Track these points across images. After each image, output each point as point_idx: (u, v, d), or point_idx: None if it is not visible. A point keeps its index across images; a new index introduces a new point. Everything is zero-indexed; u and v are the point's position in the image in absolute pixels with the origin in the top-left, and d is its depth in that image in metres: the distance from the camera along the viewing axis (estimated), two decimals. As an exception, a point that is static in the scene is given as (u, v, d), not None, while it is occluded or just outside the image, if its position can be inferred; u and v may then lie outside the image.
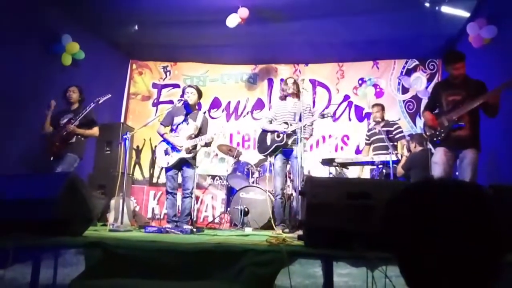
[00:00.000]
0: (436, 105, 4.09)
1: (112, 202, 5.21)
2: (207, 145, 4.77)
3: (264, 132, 4.92)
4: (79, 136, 4.86)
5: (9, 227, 2.28)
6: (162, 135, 4.72)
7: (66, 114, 4.93)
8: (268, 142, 4.80)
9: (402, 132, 5.58)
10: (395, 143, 5.41)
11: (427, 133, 4.04)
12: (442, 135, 3.85)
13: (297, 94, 4.87)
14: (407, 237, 1.12)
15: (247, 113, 7.45)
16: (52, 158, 4.75)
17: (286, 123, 4.71)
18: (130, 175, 6.75)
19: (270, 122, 4.93)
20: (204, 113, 5.02)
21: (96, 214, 4.80)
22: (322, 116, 4.72)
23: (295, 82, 4.90)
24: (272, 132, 4.80)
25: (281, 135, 4.67)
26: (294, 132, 4.59)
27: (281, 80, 5.22)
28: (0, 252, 2.32)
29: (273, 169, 4.83)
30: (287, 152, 4.71)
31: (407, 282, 1.16)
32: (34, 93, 5.20)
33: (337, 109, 5.54)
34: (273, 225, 4.66)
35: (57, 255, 2.49)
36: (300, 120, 4.57)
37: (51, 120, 4.92)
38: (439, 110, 4.03)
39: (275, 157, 4.76)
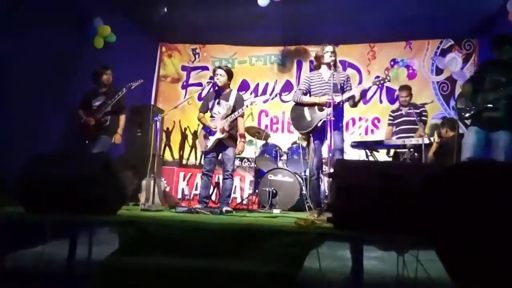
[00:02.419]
0: (479, 82, 3.96)
1: (144, 182, 5.32)
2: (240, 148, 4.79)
3: (299, 106, 4.43)
4: (113, 118, 4.96)
5: (47, 204, 2.37)
6: (200, 121, 4.81)
7: (98, 97, 5.02)
8: (308, 117, 4.29)
9: (426, 117, 5.43)
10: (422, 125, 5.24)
11: (458, 105, 3.95)
12: (472, 111, 3.77)
13: (334, 64, 4.31)
14: (447, 220, 1.10)
15: (276, 95, 7.40)
16: (87, 141, 4.87)
17: (327, 95, 4.17)
18: (161, 157, 6.87)
19: (305, 94, 4.40)
20: (238, 92, 5.03)
21: (128, 194, 4.94)
22: (377, 84, 4.29)
23: (334, 51, 4.39)
24: (311, 105, 4.28)
25: (324, 108, 4.13)
26: (339, 104, 4.15)
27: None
28: (38, 229, 2.43)
29: (310, 148, 4.44)
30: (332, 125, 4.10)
31: (446, 266, 1.14)
32: (68, 75, 5.31)
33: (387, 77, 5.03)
34: (310, 206, 4.35)
35: (92, 233, 2.57)
36: (341, 91, 4.19)
37: (83, 102, 5.02)
38: (478, 87, 3.93)
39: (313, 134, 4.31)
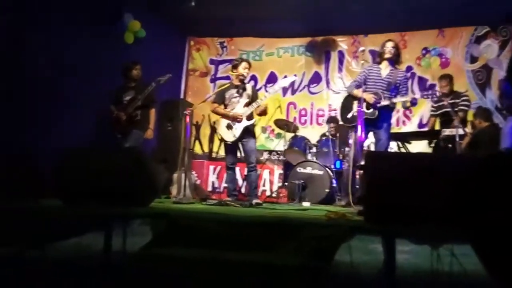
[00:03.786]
0: None
1: (175, 176, 5.41)
2: (263, 113, 4.66)
3: (350, 97, 4.40)
4: (144, 113, 5.04)
5: (83, 197, 2.46)
6: (217, 113, 4.76)
7: (128, 92, 5.09)
8: (354, 112, 4.24)
9: (467, 105, 5.21)
10: (461, 115, 5.06)
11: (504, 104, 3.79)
12: None
13: (395, 60, 4.29)
14: (486, 214, 1.06)
15: (304, 87, 7.34)
16: (119, 136, 4.98)
17: (377, 94, 4.13)
18: (191, 150, 6.96)
19: (359, 86, 4.31)
20: (259, 89, 5.01)
21: (160, 187, 5.03)
22: (425, 96, 4.36)
23: (395, 46, 4.33)
24: (359, 100, 4.17)
25: (371, 107, 4.09)
26: (386, 108, 4.14)
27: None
28: (76, 221, 2.51)
29: (352, 140, 4.44)
30: (374, 123, 4.18)
31: (483, 261, 1.11)
32: (100, 70, 5.43)
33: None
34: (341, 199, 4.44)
35: (126, 225, 2.64)
36: (394, 90, 4.15)
37: (114, 97, 5.12)
38: None
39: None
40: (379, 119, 4.13)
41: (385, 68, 4.31)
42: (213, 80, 7.76)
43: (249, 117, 4.54)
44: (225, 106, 4.70)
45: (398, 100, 4.17)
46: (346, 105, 4.44)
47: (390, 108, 4.26)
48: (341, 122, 4.82)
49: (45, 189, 2.89)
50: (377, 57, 4.41)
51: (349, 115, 4.33)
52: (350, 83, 4.62)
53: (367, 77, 4.31)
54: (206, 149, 7.38)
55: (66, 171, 2.62)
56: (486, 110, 5.37)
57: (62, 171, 2.64)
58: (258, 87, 7.18)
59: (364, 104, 4.10)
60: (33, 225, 2.46)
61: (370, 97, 4.14)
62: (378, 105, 4.08)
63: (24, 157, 2.94)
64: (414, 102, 4.22)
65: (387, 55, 4.26)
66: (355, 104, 4.27)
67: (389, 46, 4.29)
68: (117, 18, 5.86)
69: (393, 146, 5.33)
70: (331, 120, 6.17)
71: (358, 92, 4.27)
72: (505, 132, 3.71)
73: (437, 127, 5.38)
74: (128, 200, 2.41)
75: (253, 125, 4.62)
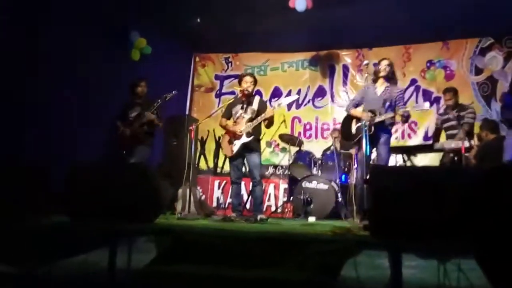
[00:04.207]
0: None
1: (180, 191, 5.41)
2: (270, 123, 4.64)
3: (349, 117, 4.56)
4: (148, 129, 5.08)
5: (89, 213, 2.46)
6: (224, 127, 4.78)
7: (134, 108, 5.13)
8: (354, 130, 4.44)
9: (473, 118, 5.18)
10: (466, 128, 5.02)
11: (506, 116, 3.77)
12: None
13: (390, 78, 4.40)
14: (490, 227, 1.05)
15: (308, 101, 7.37)
16: (124, 152, 4.99)
17: (373, 112, 4.24)
18: (196, 166, 6.97)
19: (356, 105, 4.52)
20: (260, 97, 5.02)
21: (165, 203, 5.02)
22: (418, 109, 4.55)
23: (390, 64, 4.44)
24: (357, 119, 4.38)
25: (367, 124, 4.16)
26: (382, 122, 4.22)
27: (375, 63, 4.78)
28: (82, 237, 2.52)
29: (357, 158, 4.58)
30: (373, 139, 4.22)
31: (488, 276, 1.09)
32: (106, 87, 5.50)
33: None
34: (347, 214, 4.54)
35: (131, 241, 2.64)
36: (390, 107, 4.27)
37: (120, 113, 5.17)
38: None
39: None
40: (376, 135, 4.21)
41: (380, 86, 4.41)
42: (218, 96, 7.82)
43: (249, 134, 4.53)
44: (234, 122, 4.73)
45: (390, 115, 4.25)
46: (346, 124, 4.59)
47: (387, 124, 4.33)
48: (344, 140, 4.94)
49: (53, 206, 2.90)
50: (373, 75, 4.51)
51: (352, 132, 4.45)
52: (348, 103, 4.80)
53: (364, 96, 4.48)
54: (211, 165, 7.39)
55: (72, 188, 2.63)
56: (492, 122, 5.33)
57: (68, 187, 2.65)
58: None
59: (363, 122, 4.17)
60: (40, 241, 2.46)
61: (367, 116, 4.23)
62: (374, 121, 4.18)
63: (32, 173, 2.96)
64: (406, 116, 4.24)
65: (382, 73, 4.37)
66: (354, 122, 4.44)
67: (384, 64, 4.40)
68: (123, 36, 5.97)
69: (399, 160, 5.30)
70: (335, 130, 6.16)
71: (355, 112, 4.46)
72: (507, 143, 3.67)
73: (442, 139, 5.35)
74: (133, 216, 2.40)
75: (255, 141, 4.59)
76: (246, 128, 4.52)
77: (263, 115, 4.50)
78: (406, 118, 4.27)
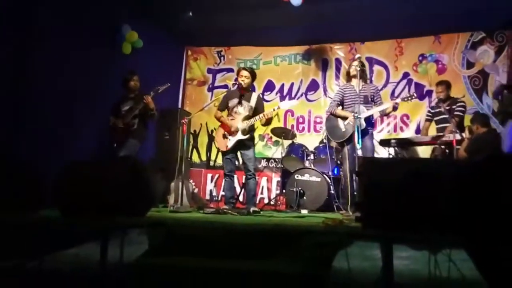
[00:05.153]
0: None
1: (172, 184, 5.40)
2: (268, 122, 4.72)
3: (333, 116, 4.81)
4: (142, 122, 5.05)
5: (80, 207, 2.45)
6: (219, 119, 4.79)
7: (127, 102, 5.10)
8: (343, 128, 4.67)
9: (463, 111, 5.23)
10: (457, 120, 5.07)
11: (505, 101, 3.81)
12: None
13: (362, 76, 4.67)
14: (481, 218, 1.06)
15: (301, 94, 7.36)
16: (115, 145, 4.96)
17: (355, 112, 4.42)
18: (189, 159, 6.96)
19: (339, 105, 4.81)
20: (258, 94, 5.02)
21: (157, 196, 5.01)
22: (406, 99, 4.62)
23: (361, 63, 4.67)
24: (343, 118, 4.69)
25: (356, 120, 4.38)
26: (368, 117, 4.56)
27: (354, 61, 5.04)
28: (73, 231, 2.50)
29: (343, 153, 4.74)
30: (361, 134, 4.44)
31: (478, 266, 1.10)
32: (98, 82, 5.44)
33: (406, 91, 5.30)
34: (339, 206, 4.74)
35: (123, 235, 2.63)
36: (371, 101, 4.63)
37: (113, 108, 5.13)
38: None
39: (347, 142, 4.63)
40: (364, 129, 4.48)
41: (357, 85, 4.65)
42: (210, 89, 7.78)
43: (246, 132, 4.55)
44: (228, 114, 4.72)
45: (377, 110, 4.65)
46: (333, 124, 4.81)
47: (372, 117, 4.72)
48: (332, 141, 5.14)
49: (44, 200, 2.88)
50: (346, 75, 4.89)
51: (342, 130, 4.71)
52: (329, 104, 5.02)
53: (344, 95, 4.77)
54: (204, 158, 7.38)
55: (63, 181, 2.61)
56: (483, 115, 5.38)
57: (58, 181, 2.63)
58: (255, 94, 7.21)
59: (350, 120, 4.55)
60: (31, 236, 2.45)
61: (349, 116, 4.56)
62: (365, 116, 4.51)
63: (23, 168, 2.94)
64: (395, 107, 4.59)
65: (353, 73, 4.67)
66: (340, 121, 4.72)
67: (355, 64, 4.66)
68: (114, 30, 5.90)
69: (391, 152, 5.33)
70: None
71: (341, 112, 4.75)
72: (505, 133, 3.72)
73: (431, 132, 5.40)
74: (125, 210, 2.39)
75: (250, 138, 4.63)
76: (242, 125, 4.54)
77: (261, 115, 4.53)
78: (394, 109, 4.62)
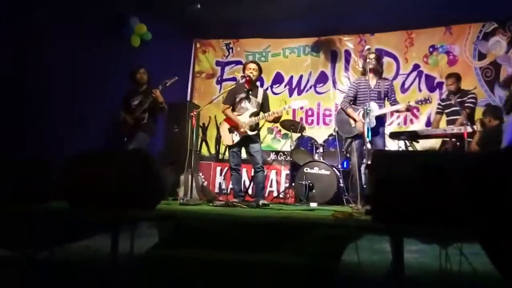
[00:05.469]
0: None
1: (182, 177, 5.43)
2: (277, 120, 4.72)
3: (343, 112, 4.71)
4: (152, 116, 5.06)
5: (90, 199, 2.47)
6: (226, 114, 4.77)
7: (136, 96, 5.12)
8: (352, 124, 4.58)
9: (474, 103, 5.16)
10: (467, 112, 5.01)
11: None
12: None
13: (378, 70, 4.61)
14: (493, 211, 1.05)
15: (310, 87, 7.32)
16: (125, 139, 4.99)
17: (367, 113, 4.35)
18: (198, 152, 6.97)
19: (351, 101, 4.66)
20: (266, 89, 5.01)
21: (167, 189, 5.03)
22: (420, 103, 4.53)
23: (377, 57, 4.64)
24: (352, 119, 4.58)
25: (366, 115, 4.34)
26: (380, 116, 4.45)
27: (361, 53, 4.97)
28: (83, 223, 2.53)
29: (352, 147, 4.66)
30: (371, 132, 4.42)
31: (493, 260, 1.09)
32: (107, 74, 5.46)
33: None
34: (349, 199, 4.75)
35: (133, 227, 2.65)
36: (385, 98, 4.54)
37: (123, 102, 5.15)
38: None
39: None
40: (375, 127, 4.40)
41: (372, 79, 4.57)
42: (219, 82, 7.78)
43: (253, 128, 4.55)
44: (234, 109, 4.71)
45: (394, 109, 4.59)
46: (343, 119, 4.70)
47: (383, 115, 4.63)
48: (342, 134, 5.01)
49: (54, 192, 2.92)
50: (362, 69, 4.71)
51: (352, 126, 4.60)
52: (343, 99, 4.84)
53: (358, 90, 4.60)
54: (213, 151, 7.39)
55: (73, 173, 2.63)
56: (495, 107, 5.30)
57: (68, 172, 2.66)
58: (264, 87, 7.18)
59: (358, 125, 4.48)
60: (42, 227, 2.48)
61: (359, 121, 4.45)
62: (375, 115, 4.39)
63: (34, 159, 2.97)
64: (408, 109, 4.55)
65: (370, 66, 4.51)
66: (351, 120, 4.59)
67: (372, 57, 4.55)
68: (123, 22, 5.90)
69: (401, 145, 5.29)
70: None
71: (352, 112, 4.58)
72: (504, 128, 3.67)
73: (442, 125, 5.34)
74: (134, 202, 2.41)
75: (256, 134, 4.63)
76: (249, 122, 4.54)
77: (270, 112, 4.53)
78: (408, 109, 4.57)
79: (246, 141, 4.62)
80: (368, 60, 4.54)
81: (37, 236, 2.47)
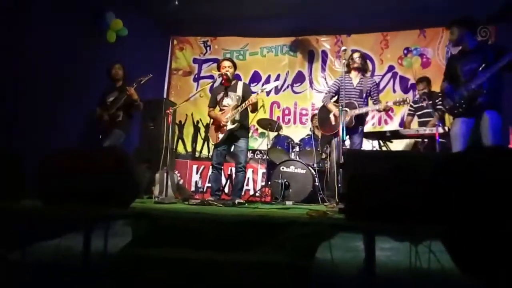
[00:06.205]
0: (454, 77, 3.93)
1: (157, 175, 5.37)
2: (254, 109, 4.65)
3: (325, 108, 4.76)
4: (127, 113, 5.00)
5: (63, 197, 2.42)
6: (210, 116, 4.79)
7: (112, 92, 5.05)
8: (333, 121, 4.60)
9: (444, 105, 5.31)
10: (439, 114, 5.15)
11: (446, 106, 3.90)
12: (463, 106, 3.67)
13: (363, 69, 4.67)
14: (454, 209, 1.08)
15: (287, 86, 7.37)
16: (100, 136, 4.91)
17: (351, 104, 4.47)
18: (174, 150, 6.92)
19: (333, 96, 4.73)
20: (244, 82, 5.01)
21: (141, 187, 4.98)
22: (398, 103, 4.51)
23: (361, 56, 4.72)
24: (330, 111, 4.64)
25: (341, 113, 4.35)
26: (359, 115, 4.49)
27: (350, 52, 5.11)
28: (55, 222, 2.47)
29: (331, 145, 4.72)
30: (350, 130, 4.51)
31: (453, 257, 1.13)
32: (82, 70, 5.35)
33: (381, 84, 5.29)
34: (324, 198, 4.76)
35: (107, 226, 2.61)
36: (367, 97, 4.57)
37: (100, 98, 5.07)
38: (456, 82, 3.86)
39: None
40: (354, 125, 4.49)
41: (355, 78, 4.65)
42: (196, 79, 7.73)
43: (235, 121, 4.52)
44: (220, 110, 4.70)
45: (372, 108, 4.60)
46: (324, 116, 4.74)
47: (363, 114, 4.63)
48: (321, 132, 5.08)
49: (26, 190, 2.84)
50: (345, 67, 4.68)
51: (332, 123, 4.62)
52: (324, 95, 4.92)
53: (340, 87, 4.59)
54: (189, 149, 7.35)
55: (45, 170, 2.57)
56: None
57: (41, 170, 2.59)
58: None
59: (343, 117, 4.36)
60: (12, 226, 2.41)
61: (335, 110, 4.52)
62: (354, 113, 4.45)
63: (6, 157, 2.89)
64: (386, 109, 4.57)
65: (355, 65, 4.61)
66: (331, 115, 4.63)
67: (356, 56, 4.67)
68: (98, 17, 5.79)
69: (375, 145, 5.39)
70: (315, 116, 6.20)
71: (332, 106, 4.65)
72: (453, 134, 3.80)
73: (414, 126, 5.48)
74: (108, 200, 2.37)
75: (242, 128, 4.59)
76: (231, 115, 4.51)
77: (246, 102, 4.49)
78: (388, 109, 4.64)
79: (232, 138, 4.58)
80: (353, 59, 4.64)
81: (7, 235, 2.41)
